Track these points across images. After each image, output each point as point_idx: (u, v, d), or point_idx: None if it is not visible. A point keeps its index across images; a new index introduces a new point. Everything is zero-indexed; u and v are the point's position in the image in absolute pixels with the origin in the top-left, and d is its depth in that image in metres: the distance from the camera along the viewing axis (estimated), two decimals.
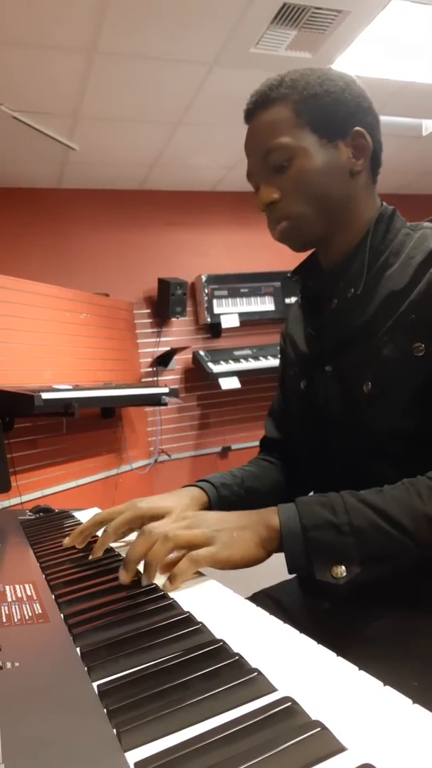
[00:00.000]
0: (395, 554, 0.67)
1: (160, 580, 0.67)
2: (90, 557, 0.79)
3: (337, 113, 0.81)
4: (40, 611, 0.60)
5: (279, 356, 1.06)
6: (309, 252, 0.93)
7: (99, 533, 0.82)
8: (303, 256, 0.95)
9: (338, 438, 0.85)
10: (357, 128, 0.82)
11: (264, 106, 0.82)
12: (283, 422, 1.06)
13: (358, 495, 0.70)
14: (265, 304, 4.11)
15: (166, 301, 3.83)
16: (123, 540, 0.87)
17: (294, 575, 0.94)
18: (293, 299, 4.02)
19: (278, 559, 0.73)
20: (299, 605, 0.91)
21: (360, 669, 0.44)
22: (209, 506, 0.89)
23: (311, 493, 0.94)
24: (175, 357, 3.95)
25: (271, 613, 0.56)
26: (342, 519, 0.67)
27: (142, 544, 0.68)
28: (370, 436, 0.80)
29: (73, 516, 1.11)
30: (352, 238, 0.85)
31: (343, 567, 0.65)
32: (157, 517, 0.80)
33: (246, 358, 3.99)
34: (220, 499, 0.90)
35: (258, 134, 0.83)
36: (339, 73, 0.84)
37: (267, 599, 0.93)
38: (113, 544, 0.85)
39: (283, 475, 1.03)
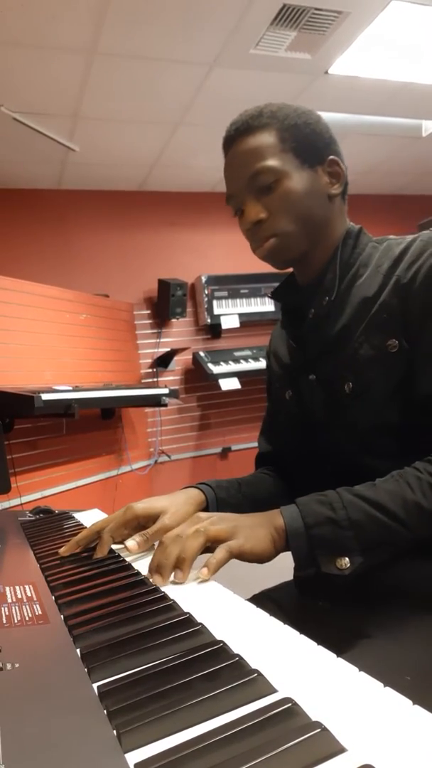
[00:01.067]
0: (392, 542, 0.72)
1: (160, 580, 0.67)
2: (92, 553, 0.81)
3: (316, 142, 0.88)
4: (40, 612, 0.60)
5: (266, 374, 1.12)
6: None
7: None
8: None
9: (327, 440, 0.89)
10: (332, 156, 0.89)
11: (246, 132, 0.88)
12: (273, 436, 1.10)
13: (353, 490, 0.74)
14: (265, 305, 4.11)
15: (166, 302, 3.83)
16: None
17: (294, 576, 0.95)
18: None
19: (278, 560, 0.75)
20: (299, 606, 0.91)
21: (360, 669, 0.44)
22: (206, 507, 0.90)
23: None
24: (175, 358, 3.95)
25: (271, 614, 0.56)
26: (341, 514, 0.71)
27: (174, 547, 0.70)
28: (357, 434, 0.84)
29: (73, 517, 1.11)
30: (325, 255, 0.91)
31: (347, 558, 0.70)
32: (152, 516, 0.83)
33: (246, 358, 4.00)
34: (218, 501, 0.92)
35: (243, 158, 0.88)
36: (309, 108, 0.91)
37: (267, 600, 0.94)
38: (114, 546, 0.85)
39: (279, 484, 1.05)
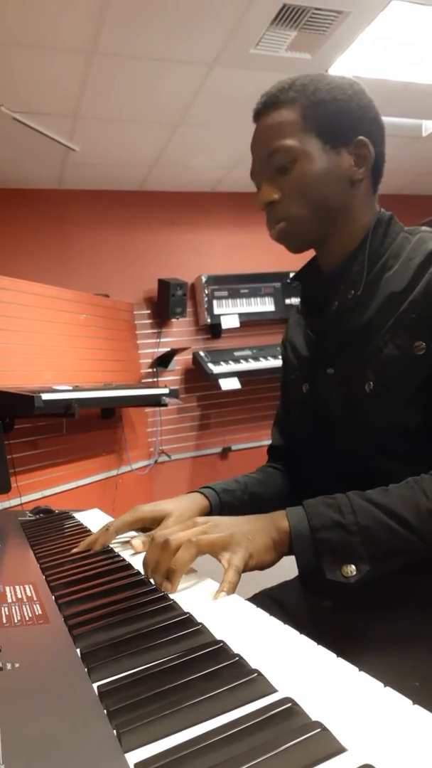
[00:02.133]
0: (402, 551, 0.68)
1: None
2: (90, 552, 0.82)
3: (343, 121, 0.82)
4: (40, 612, 0.60)
5: (281, 363, 1.08)
6: (306, 254, 0.93)
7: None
8: (303, 258, 0.95)
9: (341, 438, 0.86)
10: (360, 137, 0.83)
11: (272, 107, 0.84)
12: (287, 429, 1.07)
13: (364, 495, 0.71)
14: (265, 305, 4.11)
15: (166, 302, 3.83)
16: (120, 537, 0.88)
17: (294, 576, 0.95)
18: (293, 300, 4.03)
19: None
20: (299, 606, 0.91)
21: (360, 669, 0.44)
22: (210, 511, 0.90)
23: (317, 494, 0.95)
24: (175, 358, 3.95)
25: (271, 614, 0.56)
26: (349, 519, 0.68)
27: (165, 553, 0.68)
28: (374, 435, 0.80)
29: (74, 517, 1.11)
30: (350, 242, 0.86)
31: (353, 566, 0.66)
32: (158, 519, 0.83)
33: (246, 358, 3.99)
34: (222, 505, 0.91)
35: (264, 134, 0.84)
36: (349, 81, 0.85)
37: (267, 600, 0.93)
38: (114, 546, 0.85)
39: (288, 481, 1.03)
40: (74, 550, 0.84)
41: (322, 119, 0.82)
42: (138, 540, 0.82)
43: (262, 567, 0.70)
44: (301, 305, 0.98)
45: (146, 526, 0.86)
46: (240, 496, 0.94)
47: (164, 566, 0.67)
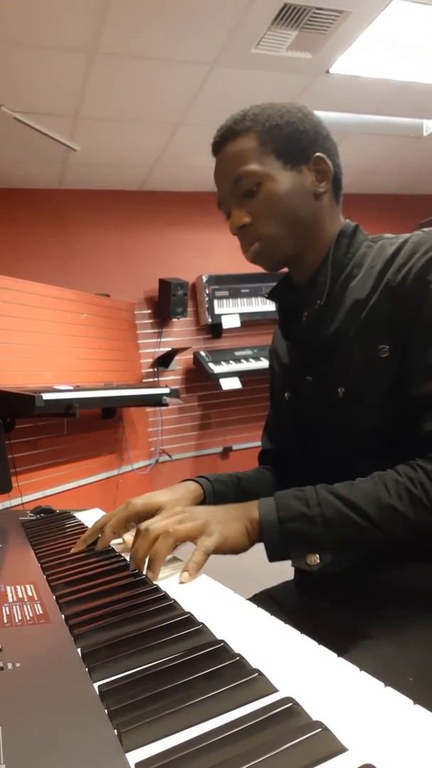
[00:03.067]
0: (362, 541, 0.73)
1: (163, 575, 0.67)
2: (91, 552, 0.83)
3: (299, 140, 0.86)
4: (41, 612, 0.60)
5: (269, 371, 1.12)
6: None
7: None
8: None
9: (322, 442, 0.89)
10: (318, 154, 0.87)
11: (230, 138, 0.88)
12: (275, 435, 1.11)
13: (330, 488, 0.76)
14: (266, 305, 4.11)
15: (167, 302, 3.83)
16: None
17: (295, 576, 0.96)
18: None
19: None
20: (300, 606, 0.91)
21: (361, 669, 0.44)
22: (203, 500, 0.92)
23: None
24: (176, 357, 3.95)
25: (271, 614, 0.56)
26: (314, 511, 0.74)
27: (143, 542, 0.74)
28: (351, 438, 0.84)
29: (74, 517, 1.11)
30: (319, 253, 0.90)
31: (317, 555, 0.73)
32: (151, 512, 0.85)
33: (247, 358, 4.00)
34: (215, 494, 0.93)
35: (226, 164, 0.88)
36: (297, 105, 0.90)
37: (268, 600, 0.94)
38: (114, 546, 0.85)
39: (278, 481, 1.05)
40: (72, 550, 0.84)
41: (278, 142, 0.86)
42: (129, 535, 0.84)
43: (235, 551, 0.76)
44: (279, 316, 1.01)
45: (141, 518, 0.87)
46: (233, 488, 0.97)
47: (142, 554, 0.73)
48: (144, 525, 0.75)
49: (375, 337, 0.80)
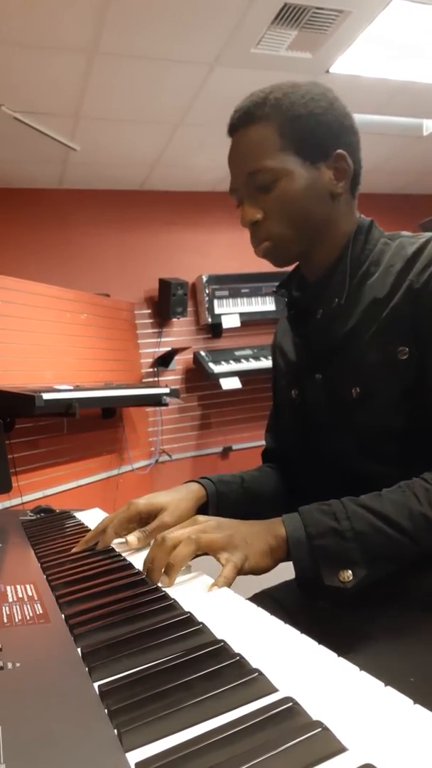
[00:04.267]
0: (397, 554, 0.69)
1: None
2: (91, 552, 0.82)
3: (321, 135, 0.82)
4: (41, 611, 0.60)
5: (272, 368, 1.09)
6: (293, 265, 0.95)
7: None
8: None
9: (331, 442, 0.87)
10: (339, 151, 0.83)
11: (248, 123, 0.83)
12: (279, 432, 1.09)
13: (358, 500, 0.72)
14: (266, 305, 4.11)
15: (167, 302, 3.83)
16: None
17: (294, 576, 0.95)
18: None
19: None
20: (300, 605, 0.91)
21: (361, 669, 0.44)
22: (206, 501, 0.91)
23: (309, 497, 0.95)
24: (176, 357, 3.95)
25: (271, 614, 0.56)
26: (344, 525, 0.69)
27: (160, 552, 0.69)
28: (361, 439, 0.82)
29: (74, 516, 1.11)
30: (332, 252, 0.87)
31: (350, 571, 0.67)
32: (153, 512, 0.84)
33: (247, 358, 3.99)
34: (219, 495, 0.92)
35: (243, 153, 0.84)
36: (323, 90, 0.85)
37: (268, 599, 0.94)
38: (115, 546, 0.85)
39: (283, 480, 1.04)
40: (74, 550, 0.84)
41: (300, 136, 0.81)
42: (133, 536, 0.82)
43: (256, 572, 0.71)
44: (288, 312, 0.99)
45: (143, 519, 0.86)
46: (236, 489, 0.95)
47: (160, 563, 0.68)
48: (160, 535, 0.71)
49: (394, 339, 0.78)
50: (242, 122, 0.84)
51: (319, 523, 0.70)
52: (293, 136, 0.81)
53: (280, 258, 0.88)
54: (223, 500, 0.92)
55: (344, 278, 0.84)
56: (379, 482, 0.75)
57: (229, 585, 0.66)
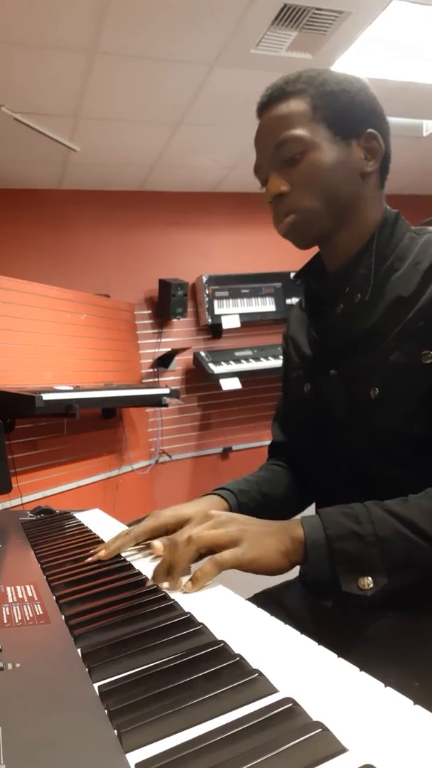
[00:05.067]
0: (421, 563, 0.66)
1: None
2: (103, 555, 0.79)
3: (353, 112, 0.81)
4: (41, 612, 0.60)
5: (282, 358, 1.06)
6: (306, 253, 0.92)
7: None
8: (304, 257, 0.94)
9: (343, 440, 0.85)
10: (370, 130, 0.81)
11: (279, 99, 0.82)
12: (288, 425, 1.06)
13: (382, 504, 0.69)
14: (266, 305, 4.11)
15: (167, 302, 3.83)
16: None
17: (295, 576, 0.95)
18: (294, 300, 4.02)
19: None
20: (300, 606, 0.91)
21: (361, 670, 0.44)
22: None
23: (320, 490, 0.94)
24: (176, 358, 3.95)
25: (272, 614, 0.56)
26: (367, 529, 0.66)
27: (167, 552, 0.69)
28: (376, 439, 0.79)
29: (74, 517, 1.11)
30: (356, 240, 0.84)
31: (370, 578, 0.64)
32: (179, 524, 0.80)
33: (247, 358, 3.99)
34: (240, 506, 0.90)
35: (272, 126, 0.82)
36: (354, 76, 0.84)
37: (268, 600, 0.93)
38: (132, 551, 0.84)
39: (294, 479, 1.02)
40: (89, 559, 0.79)
41: (332, 110, 0.80)
42: (158, 542, 0.78)
43: (267, 572, 0.68)
44: (305, 304, 0.96)
45: (168, 530, 0.83)
46: (254, 496, 0.93)
47: (165, 563, 0.68)
48: (172, 537, 0.70)
49: (420, 341, 0.75)
50: (273, 99, 0.82)
51: (340, 525, 0.67)
52: (325, 109, 0.80)
53: (303, 235, 0.84)
54: (244, 511, 0.88)
55: (369, 272, 0.81)
56: (391, 483, 0.73)
57: (220, 568, 0.64)
